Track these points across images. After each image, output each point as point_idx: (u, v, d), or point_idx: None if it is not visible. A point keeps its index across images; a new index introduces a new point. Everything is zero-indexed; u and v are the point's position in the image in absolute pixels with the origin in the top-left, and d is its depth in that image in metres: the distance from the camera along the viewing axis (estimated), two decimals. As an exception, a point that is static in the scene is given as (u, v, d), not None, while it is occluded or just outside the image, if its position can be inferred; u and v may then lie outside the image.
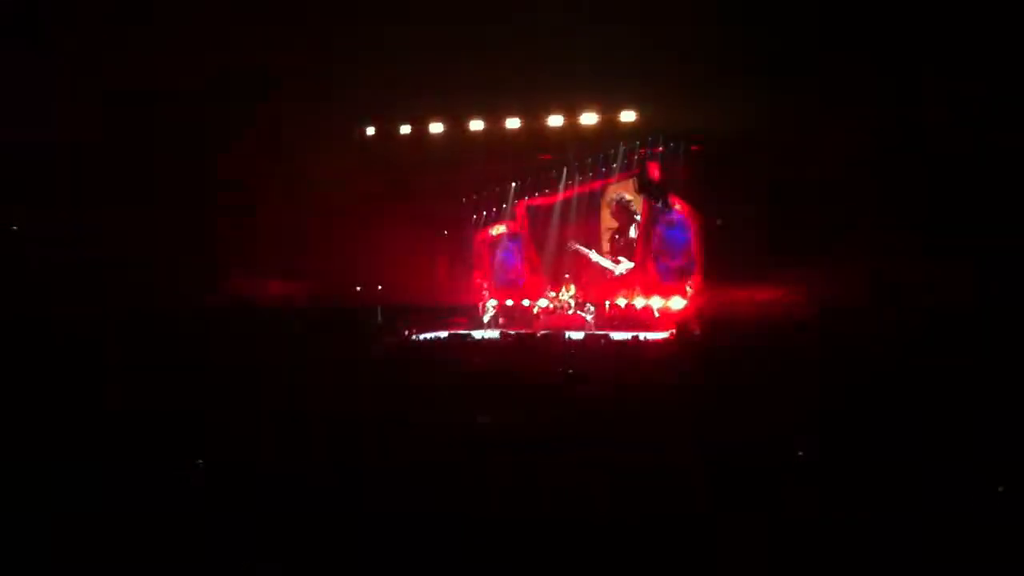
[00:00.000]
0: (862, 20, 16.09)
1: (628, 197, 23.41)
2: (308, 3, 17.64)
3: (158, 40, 16.63)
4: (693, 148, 21.77)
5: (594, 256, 23.41)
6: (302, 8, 17.53)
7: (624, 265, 23.38)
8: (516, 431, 8.92)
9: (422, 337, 20.21)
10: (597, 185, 23.68)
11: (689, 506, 6.43)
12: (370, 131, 22.68)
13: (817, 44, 16.68)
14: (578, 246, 23.66)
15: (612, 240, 23.78)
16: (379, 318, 21.40)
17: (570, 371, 13.45)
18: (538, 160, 23.73)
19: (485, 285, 24.91)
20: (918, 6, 15.61)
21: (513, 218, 24.68)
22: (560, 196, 23.98)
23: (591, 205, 23.86)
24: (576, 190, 23.85)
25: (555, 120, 21.63)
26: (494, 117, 21.95)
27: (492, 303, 23.07)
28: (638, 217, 23.28)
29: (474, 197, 24.93)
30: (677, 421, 9.24)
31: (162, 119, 17.46)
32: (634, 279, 23.17)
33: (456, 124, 22.31)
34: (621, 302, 22.23)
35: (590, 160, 23.48)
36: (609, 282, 23.43)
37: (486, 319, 22.36)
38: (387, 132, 22.76)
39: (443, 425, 9.37)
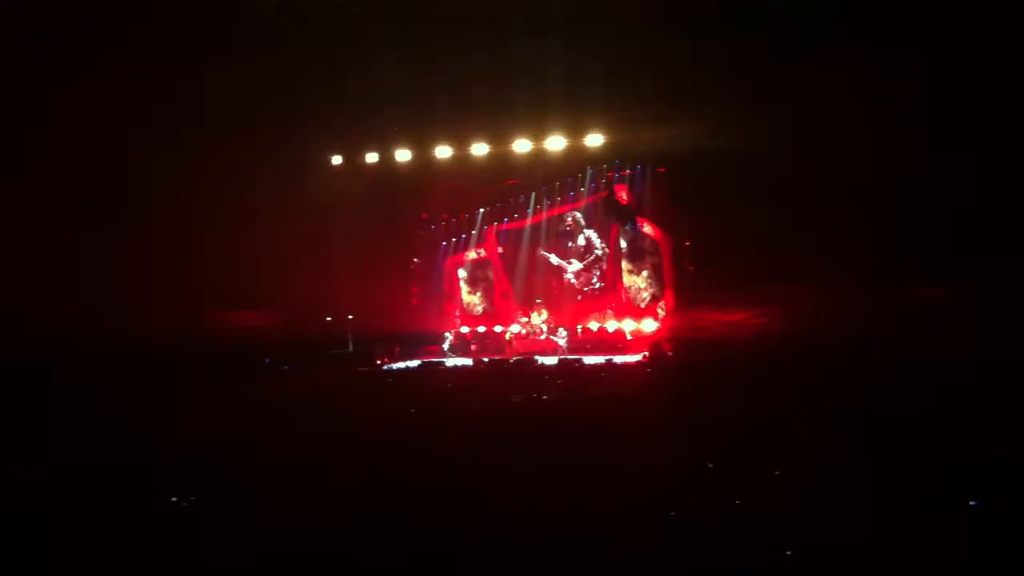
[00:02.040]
0: (831, 36, 16.40)
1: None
2: (272, 33, 17.59)
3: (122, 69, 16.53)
4: (659, 170, 21.95)
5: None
6: (266, 37, 17.48)
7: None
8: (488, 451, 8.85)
9: (394, 366, 20.03)
10: (565, 209, 23.77)
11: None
12: (337, 160, 22.59)
13: (786, 63, 16.93)
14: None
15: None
16: (350, 348, 21.20)
17: (544, 397, 13.40)
18: (506, 185, 23.77)
19: (457, 312, 24.82)
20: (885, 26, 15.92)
21: (483, 244, 24.66)
22: (529, 220, 24.00)
23: (558, 228, 24.00)
24: (544, 214, 23.91)
25: (522, 145, 21.72)
26: (462, 143, 21.98)
27: (448, 333, 22.88)
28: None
29: (443, 224, 24.91)
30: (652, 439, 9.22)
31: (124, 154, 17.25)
32: (605, 302, 23.21)
33: (424, 151, 22.30)
34: (593, 326, 22.22)
35: (558, 184, 23.58)
36: (580, 305, 23.43)
37: (446, 347, 22.18)
38: (355, 161, 22.68)
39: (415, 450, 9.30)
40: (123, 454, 9.50)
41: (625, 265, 22.99)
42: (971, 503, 6.25)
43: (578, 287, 23.46)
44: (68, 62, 15.80)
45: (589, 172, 23.04)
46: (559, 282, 23.85)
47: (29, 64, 15.56)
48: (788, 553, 5.66)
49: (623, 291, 22.99)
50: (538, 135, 21.60)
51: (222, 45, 16.89)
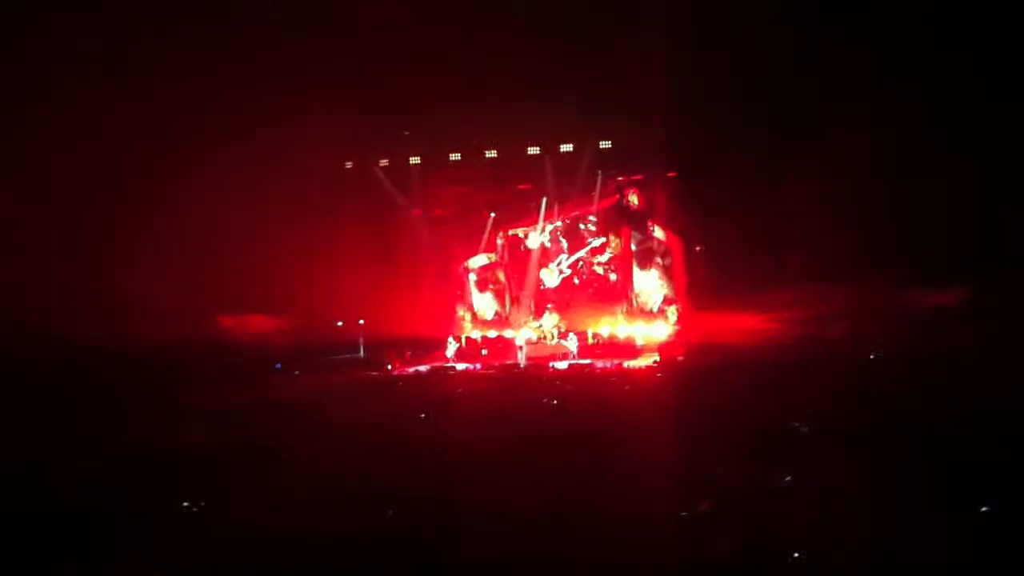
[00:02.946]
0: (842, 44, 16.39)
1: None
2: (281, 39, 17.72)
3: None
4: (670, 174, 21.89)
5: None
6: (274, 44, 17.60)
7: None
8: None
9: (406, 371, 20.06)
10: (576, 213, 23.83)
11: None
12: (349, 165, 22.68)
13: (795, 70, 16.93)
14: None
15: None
16: (361, 353, 21.23)
17: (555, 401, 13.38)
18: (517, 190, 23.79)
19: (468, 317, 24.76)
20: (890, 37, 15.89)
21: (493, 249, 24.63)
22: (540, 225, 23.99)
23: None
24: (555, 219, 23.92)
25: (534, 151, 21.77)
26: (473, 149, 22.02)
27: (452, 339, 22.64)
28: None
29: (454, 229, 24.85)
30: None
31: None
32: (616, 305, 23.20)
33: (435, 157, 22.38)
34: (604, 331, 22.16)
35: (569, 189, 23.54)
36: (591, 309, 23.41)
37: (449, 353, 21.98)
38: (366, 166, 22.78)
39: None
40: (134, 457, 9.54)
41: (636, 269, 22.95)
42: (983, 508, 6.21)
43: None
44: (75, 64, 15.90)
45: (600, 177, 23.00)
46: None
47: (34, 67, 15.69)
48: (796, 555, 5.64)
49: (634, 295, 22.94)
50: (549, 141, 21.65)
51: (231, 51, 16.97)
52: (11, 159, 15.68)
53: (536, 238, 24.20)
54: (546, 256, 24.22)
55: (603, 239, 23.63)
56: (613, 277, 23.71)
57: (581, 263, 23.93)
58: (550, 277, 24.14)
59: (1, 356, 14.08)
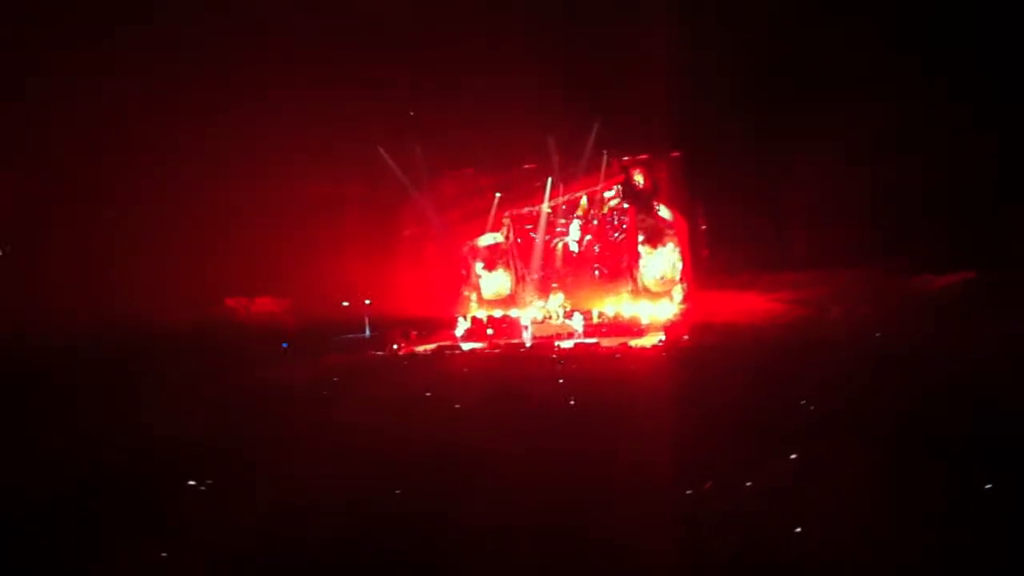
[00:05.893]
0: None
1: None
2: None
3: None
4: (673, 154, 21.82)
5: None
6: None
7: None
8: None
9: (412, 350, 20.14)
10: (579, 192, 23.80)
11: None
12: (353, 147, 22.63)
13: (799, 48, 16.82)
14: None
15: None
16: (367, 333, 21.31)
17: (560, 380, 13.45)
18: (522, 170, 23.73)
19: (473, 296, 24.79)
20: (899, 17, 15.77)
21: (498, 228, 24.60)
22: (545, 205, 23.94)
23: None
24: (560, 198, 23.88)
25: (540, 130, 21.71)
26: (478, 129, 21.94)
27: (463, 318, 22.63)
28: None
29: (460, 209, 24.82)
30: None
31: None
32: (621, 285, 23.21)
33: (440, 137, 22.33)
34: (609, 310, 22.19)
35: (574, 169, 23.47)
36: (597, 288, 23.42)
37: (459, 332, 22.01)
38: (371, 148, 22.75)
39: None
40: (143, 442, 9.62)
41: (641, 249, 22.92)
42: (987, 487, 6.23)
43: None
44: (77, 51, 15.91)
45: (605, 157, 22.92)
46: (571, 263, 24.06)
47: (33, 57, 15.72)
48: (797, 530, 5.71)
49: (639, 275, 22.92)
50: (555, 120, 21.55)
51: (231, 33, 16.92)
52: (16, 149, 15.76)
53: (543, 218, 24.19)
54: (552, 230, 24.19)
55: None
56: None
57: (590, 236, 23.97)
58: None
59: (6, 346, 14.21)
